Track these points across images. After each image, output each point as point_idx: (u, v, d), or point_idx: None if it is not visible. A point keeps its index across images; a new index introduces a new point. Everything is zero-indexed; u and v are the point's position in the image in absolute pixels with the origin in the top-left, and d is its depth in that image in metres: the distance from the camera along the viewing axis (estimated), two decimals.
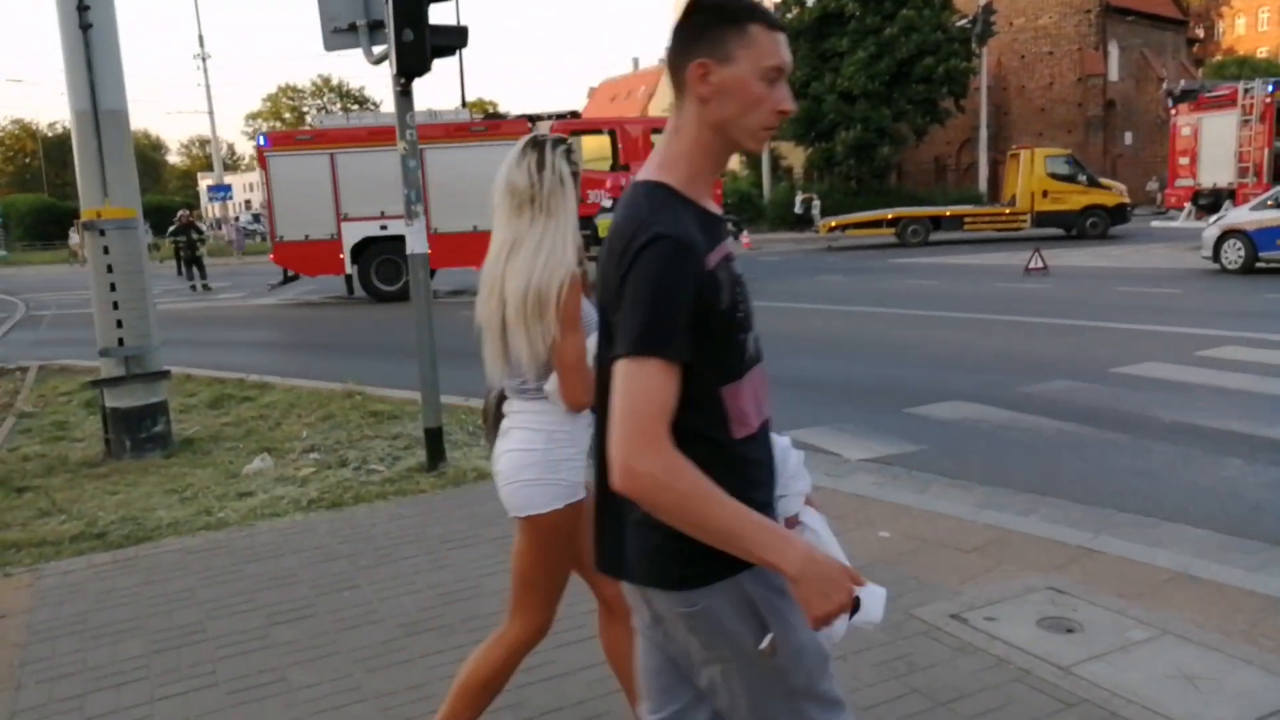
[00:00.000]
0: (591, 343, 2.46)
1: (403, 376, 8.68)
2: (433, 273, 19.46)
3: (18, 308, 20.76)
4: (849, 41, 34.89)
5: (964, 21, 35.78)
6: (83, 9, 6.36)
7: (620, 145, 18.85)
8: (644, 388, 1.50)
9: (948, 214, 28.44)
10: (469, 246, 17.94)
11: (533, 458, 2.50)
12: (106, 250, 6.60)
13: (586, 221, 18.23)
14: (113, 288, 6.62)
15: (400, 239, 18.57)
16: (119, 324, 6.65)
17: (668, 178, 1.65)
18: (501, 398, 2.67)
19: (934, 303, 13.93)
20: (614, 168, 18.49)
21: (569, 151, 2.52)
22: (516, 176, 2.47)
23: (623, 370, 1.52)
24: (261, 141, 18.93)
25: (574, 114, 19.97)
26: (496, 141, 18.16)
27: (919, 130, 37.33)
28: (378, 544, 4.79)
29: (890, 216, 28.44)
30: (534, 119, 19.51)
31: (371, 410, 7.78)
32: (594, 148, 19.28)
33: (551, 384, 2.46)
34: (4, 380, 10.87)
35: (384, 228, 18.07)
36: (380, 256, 18.34)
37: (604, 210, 11.27)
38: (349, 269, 18.37)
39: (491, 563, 4.45)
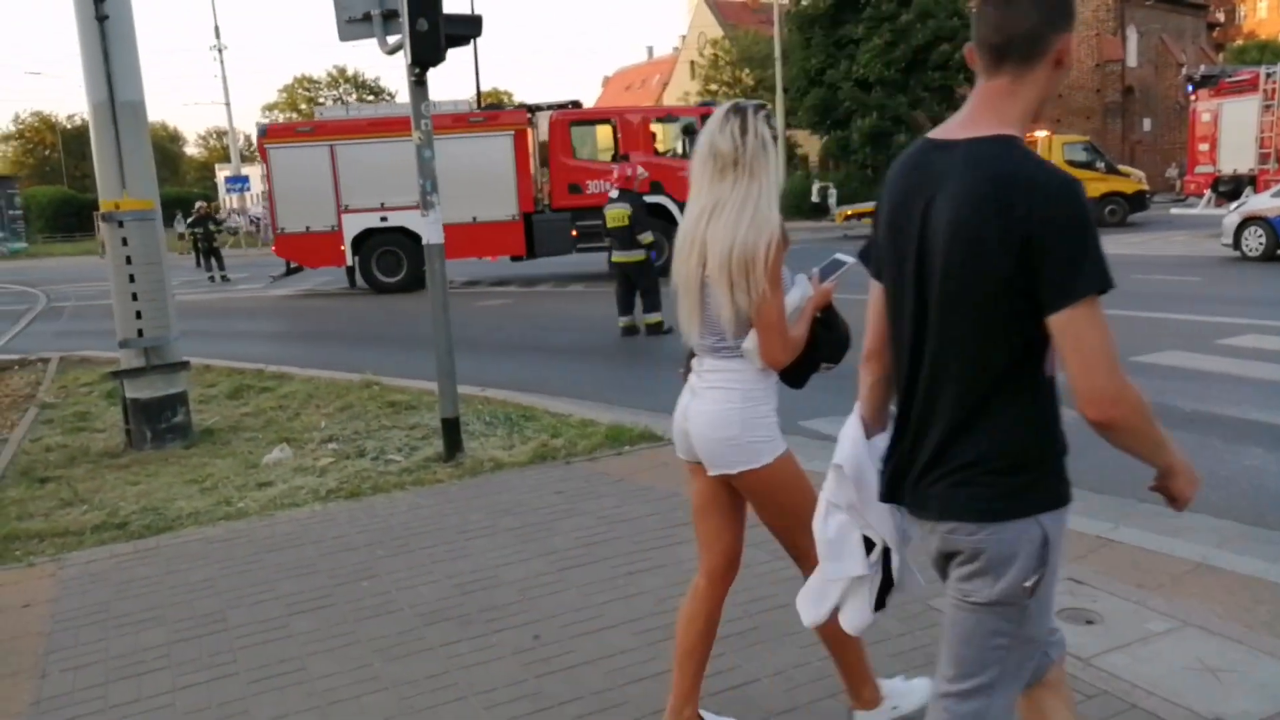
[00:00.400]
0: (788, 301, 2.56)
1: (419, 367, 8.70)
2: None
3: (39, 299, 20.91)
4: (865, 28, 34.64)
5: None
6: (99, 0, 6.38)
7: (620, 135, 18.73)
8: (1102, 323, 1.68)
9: None
10: (469, 237, 17.92)
11: (732, 416, 2.58)
12: (125, 241, 6.64)
13: (594, 211, 18.17)
14: (132, 279, 6.66)
15: (400, 230, 18.64)
16: (138, 315, 6.69)
17: (1014, 132, 1.77)
18: (692, 355, 2.74)
19: None
20: (614, 157, 18.44)
21: (769, 117, 2.57)
22: (720, 141, 2.51)
23: (1084, 312, 1.67)
24: (261, 133, 18.90)
25: (575, 104, 19.90)
26: (495, 132, 18.05)
27: (936, 118, 36.94)
28: (396, 534, 4.81)
29: None
30: (533, 109, 19.39)
31: (389, 400, 7.81)
32: (597, 138, 19.20)
33: (750, 342, 2.53)
34: (26, 371, 10.97)
35: (384, 219, 18.12)
36: (381, 248, 18.35)
37: (612, 201, 11.25)
38: (350, 260, 18.39)
39: (509, 553, 4.47)
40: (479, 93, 22.32)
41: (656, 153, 18.62)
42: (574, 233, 18.40)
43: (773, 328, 2.50)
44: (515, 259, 18.96)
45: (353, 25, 5.84)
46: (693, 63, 51.37)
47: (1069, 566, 3.93)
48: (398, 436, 6.73)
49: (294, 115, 59.31)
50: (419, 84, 5.76)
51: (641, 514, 4.87)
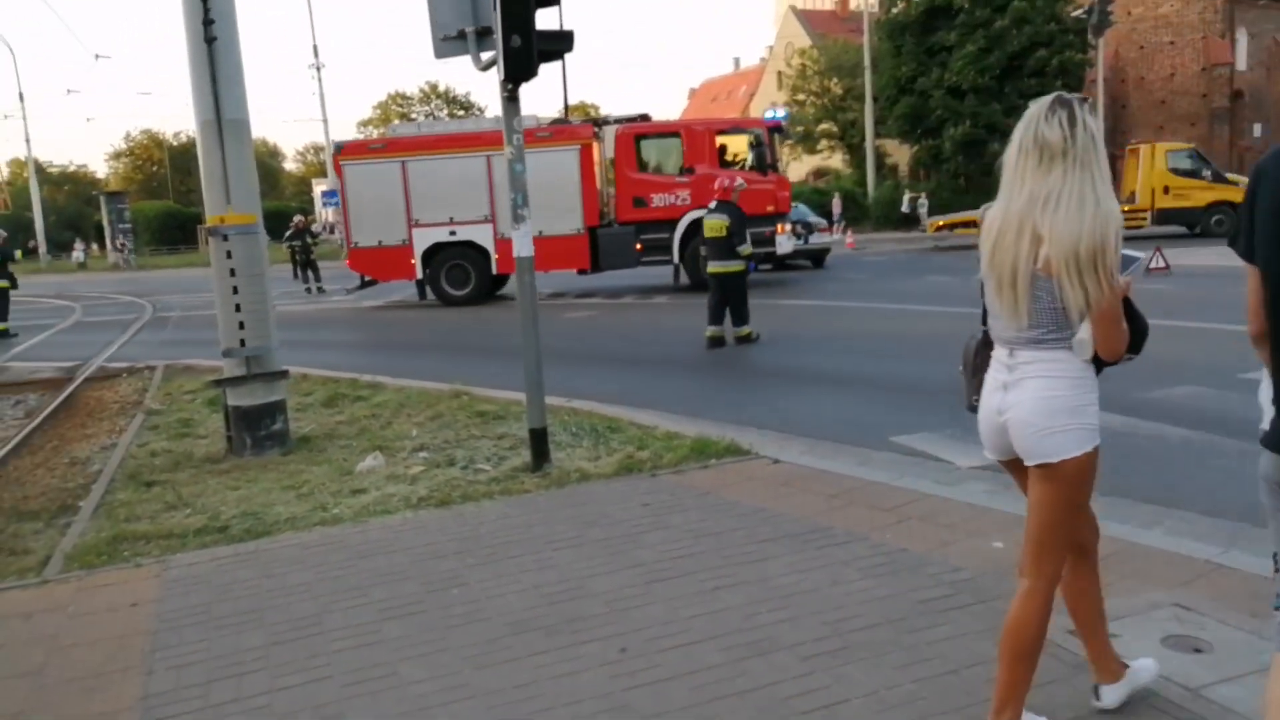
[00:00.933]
0: None
1: (506, 377, 8.82)
2: (505, 277, 19.77)
3: (145, 309, 21.85)
4: (957, 35, 34.04)
5: (1079, 12, 34.44)
6: (207, 23, 6.65)
7: (685, 148, 18.75)
8: None
9: None
10: (534, 250, 17.92)
11: (1059, 404, 2.63)
12: (229, 254, 6.88)
13: (659, 225, 18.23)
14: (235, 290, 6.90)
15: (468, 244, 18.84)
16: (241, 325, 6.93)
17: None
18: (984, 346, 2.86)
19: None
20: (680, 171, 18.53)
21: (1094, 108, 2.66)
22: (1047, 131, 2.59)
23: None
24: (336, 150, 19.39)
25: (644, 117, 19.96)
26: (561, 147, 18.17)
27: None
28: (485, 543, 4.87)
29: None
30: (599, 123, 19.52)
31: (478, 410, 7.92)
32: (663, 152, 19.24)
33: (1085, 332, 2.58)
34: (134, 379, 11.47)
35: (453, 233, 18.50)
36: (449, 262, 18.72)
37: (710, 211, 11.30)
38: (420, 274, 18.82)
39: (595, 564, 4.48)
40: (566, 106, 22.56)
41: (722, 165, 18.59)
42: (638, 246, 18.52)
43: (1114, 319, 2.55)
44: (581, 272, 19.12)
45: (448, 43, 5.95)
46: (780, 73, 51.10)
47: (1175, 591, 3.78)
48: (486, 446, 6.82)
49: (386, 131, 60.84)
50: (511, 99, 5.84)
51: (727, 528, 4.84)
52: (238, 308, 6.92)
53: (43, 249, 50.89)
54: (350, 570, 4.61)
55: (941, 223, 28.33)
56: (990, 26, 33.35)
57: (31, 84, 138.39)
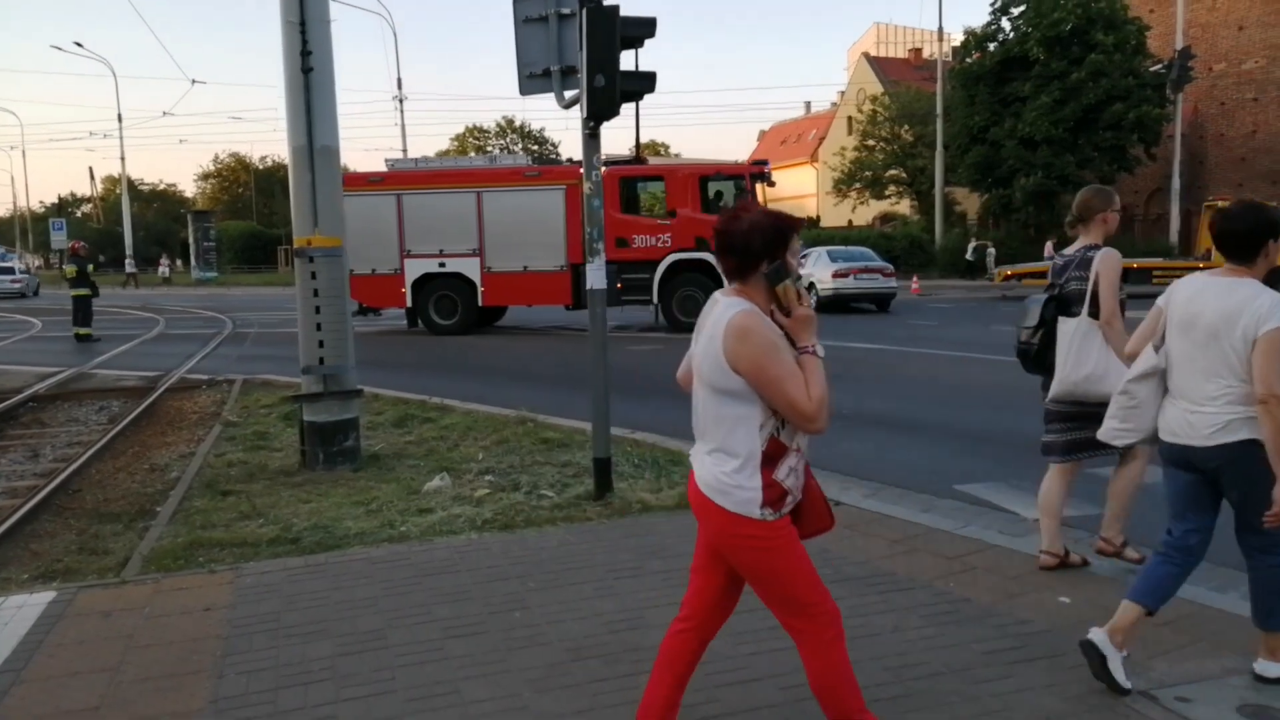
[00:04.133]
0: None
1: (569, 405, 8.92)
2: (500, 310, 20.16)
3: (226, 325, 22.48)
4: (1032, 86, 33.76)
5: (1158, 67, 34.01)
6: (305, 54, 6.93)
7: (668, 191, 18.95)
8: None
9: (1134, 266, 26.91)
10: (519, 285, 18.77)
11: None
12: (314, 275, 7.11)
13: (640, 265, 18.40)
14: (317, 310, 7.12)
15: (456, 276, 18.85)
16: (321, 344, 7.13)
17: None
18: None
19: None
20: (663, 213, 18.80)
21: None
22: None
23: None
24: None
25: (638, 159, 20.25)
26: (548, 186, 18.58)
27: (1105, 179, 35.56)
28: (546, 568, 4.93)
29: None
30: None
31: (542, 437, 8.02)
32: (647, 194, 19.47)
33: None
34: (213, 391, 11.82)
35: (442, 265, 19.07)
36: (438, 292, 19.24)
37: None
38: (409, 302, 19.32)
39: (656, 595, 4.50)
40: (638, 144, 22.75)
41: (705, 209, 18.64)
42: (619, 285, 18.64)
43: None
44: (568, 309, 19.44)
45: (533, 80, 6.13)
46: (850, 118, 51.11)
47: (1253, 659, 3.67)
48: (550, 473, 6.90)
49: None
50: (592, 137, 5.98)
51: None
52: (319, 327, 7.13)
53: (129, 263, 52.79)
54: (416, 587, 4.70)
55: (1010, 272, 27.97)
56: (1066, 79, 33.01)
57: (130, 105, 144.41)
